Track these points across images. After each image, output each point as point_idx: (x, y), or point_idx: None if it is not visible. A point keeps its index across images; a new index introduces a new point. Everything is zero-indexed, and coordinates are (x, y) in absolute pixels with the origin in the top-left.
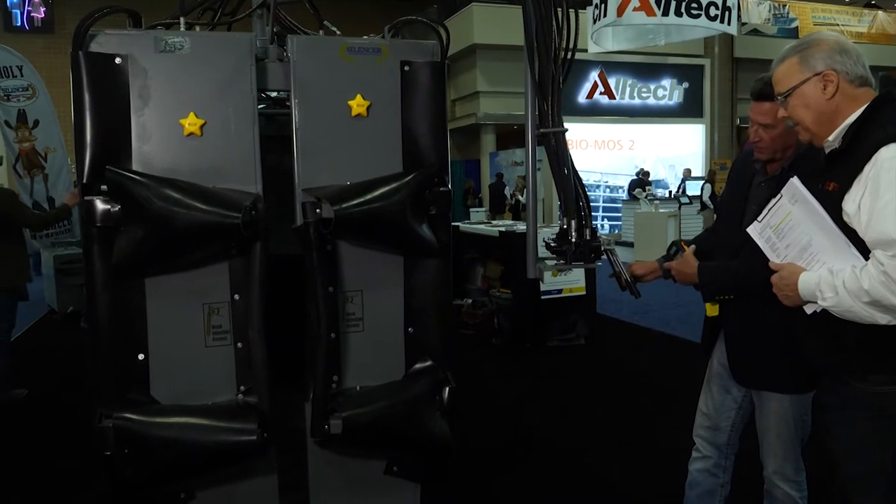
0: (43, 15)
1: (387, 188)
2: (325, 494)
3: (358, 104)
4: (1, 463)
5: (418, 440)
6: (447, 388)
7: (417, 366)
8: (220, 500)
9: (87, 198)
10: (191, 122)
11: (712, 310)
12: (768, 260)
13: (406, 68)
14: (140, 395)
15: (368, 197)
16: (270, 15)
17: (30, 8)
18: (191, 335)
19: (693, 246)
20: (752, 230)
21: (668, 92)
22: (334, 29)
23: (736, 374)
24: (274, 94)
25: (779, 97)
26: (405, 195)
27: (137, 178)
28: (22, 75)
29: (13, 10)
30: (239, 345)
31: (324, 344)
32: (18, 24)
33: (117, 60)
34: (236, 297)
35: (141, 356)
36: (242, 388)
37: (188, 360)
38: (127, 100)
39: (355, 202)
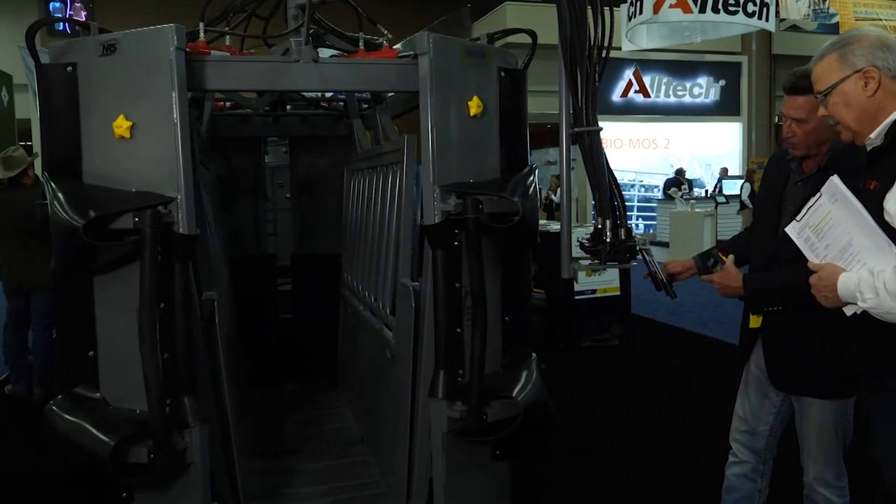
0: (84, 18)
1: (528, 184)
2: (449, 484)
3: (476, 105)
4: (43, 455)
5: (548, 419)
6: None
7: (515, 352)
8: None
9: (41, 201)
10: (119, 125)
11: (755, 321)
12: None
13: (502, 74)
14: (88, 390)
15: (531, 192)
16: (306, 16)
17: (71, 12)
18: (131, 338)
19: (732, 256)
20: (791, 230)
21: (704, 90)
22: (385, 31)
23: (774, 379)
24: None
25: (818, 96)
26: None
27: (50, 181)
28: None
29: (55, 14)
30: (165, 355)
31: (480, 336)
32: (60, 27)
33: (68, 69)
34: (162, 304)
35: (91, 353)
36: (168, 400)
37: (129, 362)
38: (77, 106)
39: (530, 197)
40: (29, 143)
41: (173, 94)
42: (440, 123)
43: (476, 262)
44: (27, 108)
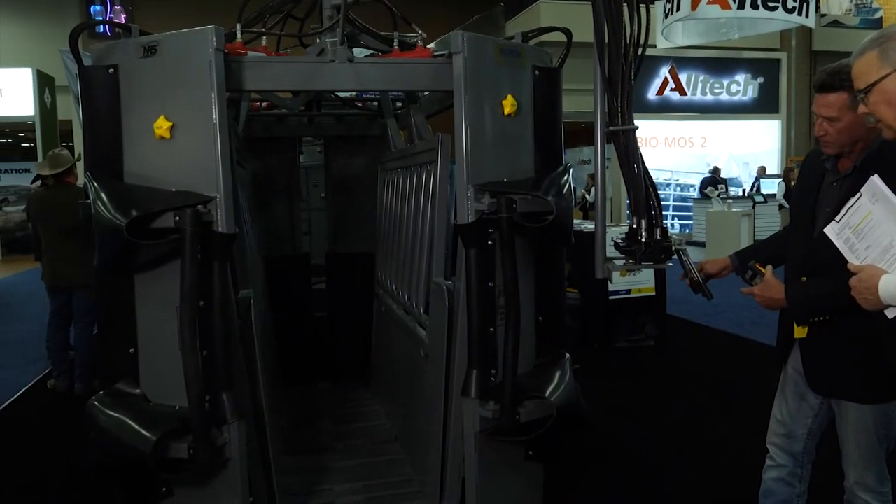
0: (124, 20)
1: (565, 184)
2: (482, 484)
3: (510, 104)
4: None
5: (581, 421)
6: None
7: (549, 352)
8: (193, 499)
9: (84, 201)
10: (159, 125)
11: (800, 332)
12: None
13: (536, 72)
14: (129, 386)
15: (565, 192)
16: (342, 16)
17: (111, 14)
18: (170, 335)
19: (770, 267)
20: (830, 230)
21: (741, 87)
22: (419, 31)
23: (812, 382)
24: (344, 95)
25: (859, 94)
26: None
27: (92, 181)
28: None
29: (96, 17)
30: (204, 352)
31: (513, 336)
32: (101, 30)
33: (110, 70)
34: (202, 302)
35: (131, 350)
36: (207, 397)
37: (168, 359)
38: (118, 107)
39: (564, 196)
40: (70, 143)
41: (213, 95)
42: (474, 122)
43: (510, 261)
44: (69, 109)
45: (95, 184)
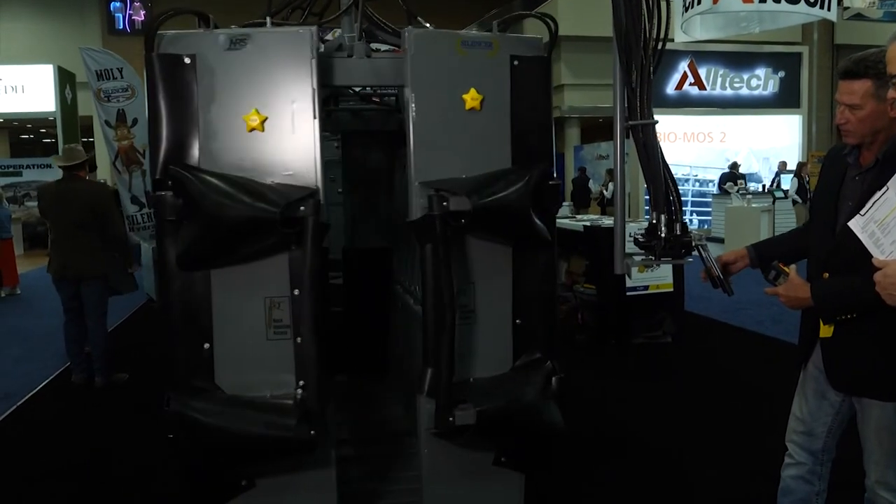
0: (143, 17)
1: (516, 182)
2: (436, 484)
3: (472, 98)
4: (106, 439)
5: (539, 429)
6: (556, 378)
7: (526, 357)
8: (278, 489)
9: (156, 193)
10: (252, 118)
11: (826, 330)
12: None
13: (515, 62)
14: (204, 382)
15: (502, 190)
16: (359, 12)
17: (131, 11)
18: (253, 328)
19: (794, 265)
20: (855, 224)
21: (762, 81)
22: (426, 24)
23: (833, 380)
24: (359, 91)
25: (892, 78)
26: (531, 189)
27: (191, 173)
28: (122, 77)
29: (115, 14)
30: (298, 340)
31: (447, 336)
32: (120, 27)
33: (186, 60)
34: (296, 292)
35: (206, 345)
36: (301, 382)
37: (250, 351)
38: (195, 98)
39: (491, 195)
40: (90, 139)
41: (312, 92)
42: (422, 119)
43: (443, 260)
44: (89, 105)
45: (199, 175)
